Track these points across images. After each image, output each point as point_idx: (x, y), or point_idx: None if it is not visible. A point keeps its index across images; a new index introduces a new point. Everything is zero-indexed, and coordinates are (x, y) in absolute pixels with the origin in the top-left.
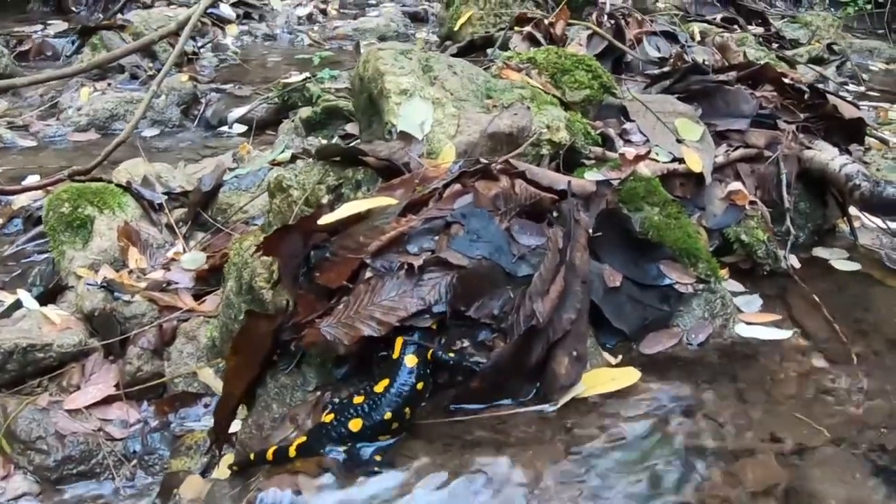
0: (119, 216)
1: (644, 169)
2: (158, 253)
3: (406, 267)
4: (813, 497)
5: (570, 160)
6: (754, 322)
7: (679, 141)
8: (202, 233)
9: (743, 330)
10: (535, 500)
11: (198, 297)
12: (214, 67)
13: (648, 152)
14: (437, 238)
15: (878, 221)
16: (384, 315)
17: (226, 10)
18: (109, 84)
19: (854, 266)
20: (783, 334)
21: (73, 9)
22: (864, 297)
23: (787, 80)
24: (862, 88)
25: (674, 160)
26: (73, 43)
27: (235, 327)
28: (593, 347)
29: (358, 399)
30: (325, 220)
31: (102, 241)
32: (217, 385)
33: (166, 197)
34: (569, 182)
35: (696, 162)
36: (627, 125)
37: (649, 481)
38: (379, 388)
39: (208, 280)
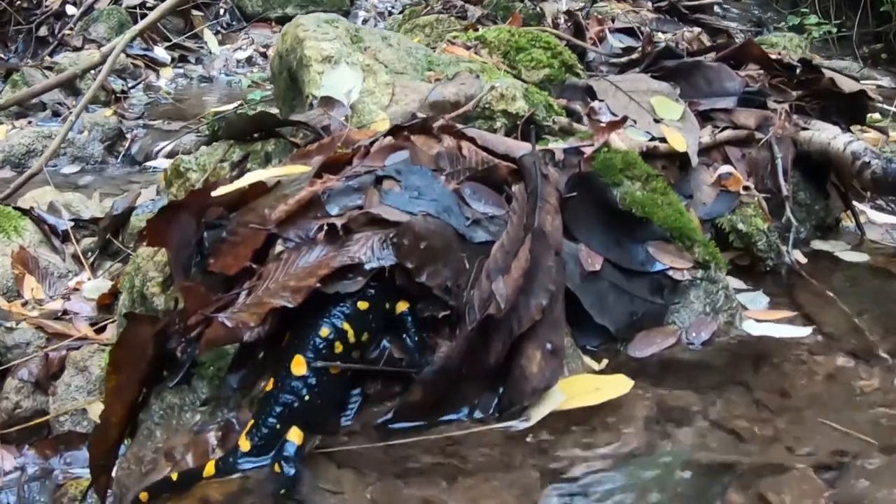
0: (15, 241)
1: (619, 143)
2: (60, 283)
3: (326, 228)
4: None
5: (529, 135)
6: (765, 319)
7: (657, 121)
8: (112, 261)
9: (752, 328)
10: None
11: (101, 328)
12: (144, 105)
13: (625, 119)
14: (364, 196)
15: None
16: (300, 281)
17: (160, 52)
18: (30, 122)
19: (864, 257)
20: (801, 332)
21: (2, 56)
22: (882, 292)
23: (774, 57)
24: None
25: (653, 139)
26: None
27: None
28: (571, 349)
29: None
30: (221, 191)
31: None
32: None
33: (73, 224)
34: (533, 142)
35: (680, 141)
36: (595, 104)
37: None
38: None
39: (111, 308)
